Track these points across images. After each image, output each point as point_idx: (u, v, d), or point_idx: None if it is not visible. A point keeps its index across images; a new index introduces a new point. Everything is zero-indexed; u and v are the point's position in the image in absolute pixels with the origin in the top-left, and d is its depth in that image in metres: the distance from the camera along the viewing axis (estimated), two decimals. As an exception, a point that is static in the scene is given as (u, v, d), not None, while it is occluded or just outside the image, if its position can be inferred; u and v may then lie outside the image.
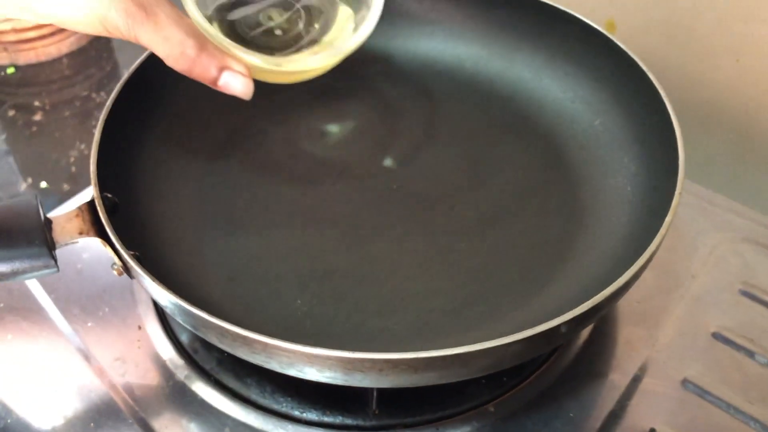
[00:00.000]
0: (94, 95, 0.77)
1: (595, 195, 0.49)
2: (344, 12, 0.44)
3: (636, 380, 0.45)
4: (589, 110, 0.53)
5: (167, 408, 0.44)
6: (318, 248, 0.47)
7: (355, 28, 0.43)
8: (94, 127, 0.72)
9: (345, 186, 0.51)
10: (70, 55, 0.81)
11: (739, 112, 0.61)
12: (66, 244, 0.40)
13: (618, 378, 0.45)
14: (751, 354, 0.46)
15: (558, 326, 0.36)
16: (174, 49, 0.37)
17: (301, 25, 0.44)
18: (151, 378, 0.45)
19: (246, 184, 0.51)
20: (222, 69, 0.39)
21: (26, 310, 0.48)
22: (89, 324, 0.47)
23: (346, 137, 0.56)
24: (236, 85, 0.39)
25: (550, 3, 0.53)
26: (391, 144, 0.55)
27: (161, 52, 0.37)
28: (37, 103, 0.76)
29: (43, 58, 0.79)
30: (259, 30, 0.43)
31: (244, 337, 0.35)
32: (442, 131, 0.56)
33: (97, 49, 0.82)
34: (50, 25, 0.77)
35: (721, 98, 0.61)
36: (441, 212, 0.50)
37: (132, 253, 0.39)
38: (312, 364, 0.35)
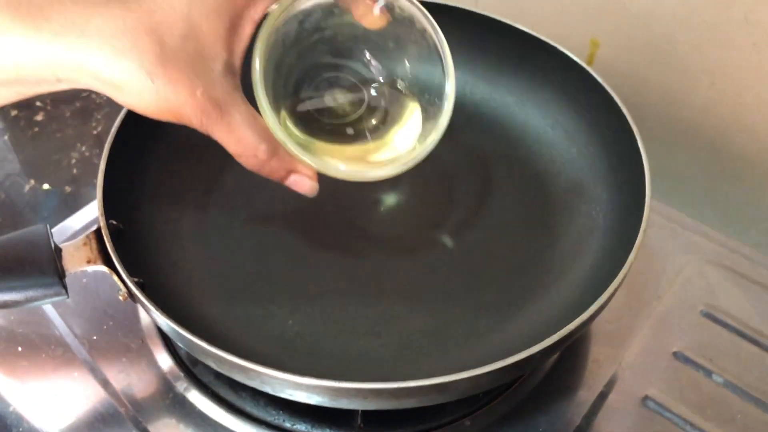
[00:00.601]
0: (94, 95, 0.78)
1: (570, 221, 0.53)
2: (411, 109, 0.45)
3: (602, 397, 0.48)
4: (568, 138, 0.56)
5: (168, 418, 0.47)
6: (309, 270, 0.50)
7: (421, 137, 0.43)
8: (95, 128, 0.75)
9: (332, 208, 0.54)
10: (70, 53, 0.83)
11: (712, 132, 0.63)
12: (75, 273, 0.43)
13: (585, 394, 0.48)
14: (708, 373, 0.49)
15: (531, 356, 0.39)
16: (246, 151, 0.38)
17: (364, 120, 0.44)
18: (152, 390, 0.49)
19: (243, 205, 0.54)
20: (290, 172, 0.40)
21: (35, 324, 0.51)
22: (94, 337, 0.51)
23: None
24: (302, 186, 0.41)
25: (532, 33, 0.56)
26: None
27: (233, 152, 0.38)
28: (38, 103, 0.78)
29: (43, 56, 0.81)
30: (327, 117, 0.43)
31: (240, 366, 0.38)
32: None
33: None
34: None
35: (696, 118, 0.64)
36: (423, 236, 0.53)
37: (136, 280, 0.42)
38: (302, 390, 0.38)
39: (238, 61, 0.37)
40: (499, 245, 0.52)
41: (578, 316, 0.41)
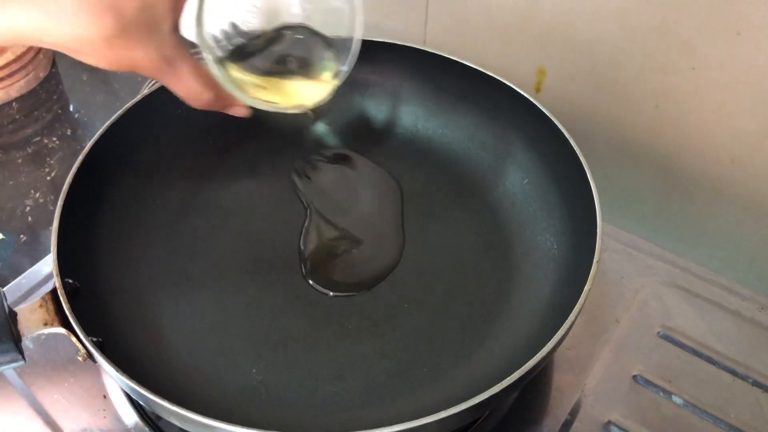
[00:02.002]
0: (46, 140, 0.78)
1: (526, 252, 0.53)
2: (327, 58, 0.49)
3: (566, 425, 0.49)
4: (519, 169, 0.57)
5: (135, 475, 0.47)
6: (270, 316, 0.50)
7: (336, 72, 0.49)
8: (48, 173, 0.74)
9: (290, 253, 0.55)
10: (20, 98, 0.82)
11: (659, 154, 0.65)
12: (31, 337, 0.42)
13: (550, 423, 0.49)
14: (668, 395, 0.50)
15: (496, 393, 0.39)
16: (192, 96, 0.44)
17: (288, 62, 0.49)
18: (117, 446, 0.48)
19: (201, 255, 0.54)
20: (229, 106, 0.47)
21: (-8, 384, 0.51)
22: (55, 396, 0.50)
23: (285, 195, 0.59)
24: (239, 112, 0.48)
25: (479, 69, 0.57)
26: (331, 204, 0.58)
27: (182, 97, 0.44)
28: (-12, 151, 0.76)
29: (-9, 102, 0.80)
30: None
31: (204, 423, 0.38)
32: (379, 188, 0.59)
33: (46, 91, 0.83)
34: (-2, 71, 0.78)
35: (643, 142, 0.66)
36: (383, 272, 0.53)
37: (94, 339, 0.42)
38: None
39: (180, 18, 0.41)
40: (457, 279, 0.53)
41: (540, 346, 0.41)
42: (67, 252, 0.46)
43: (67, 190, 0.48)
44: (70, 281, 0.45)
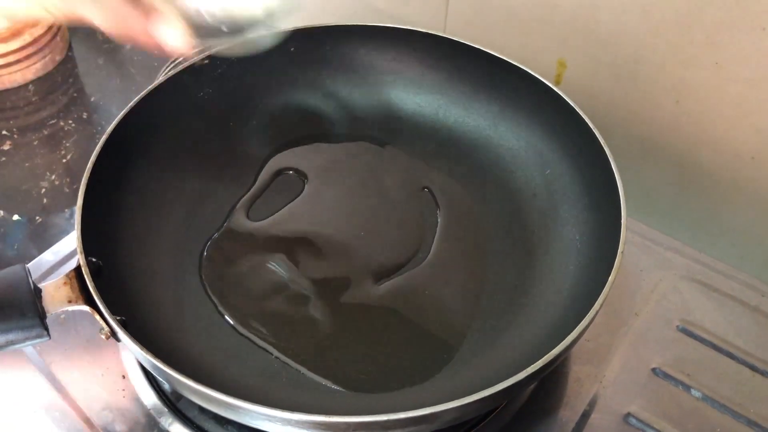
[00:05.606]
0: (62, 123, 0.78)
1: (547, 243, 0.53)
2: None
3: (585, 416, 0.49)
4: (541, 159, 0.57)
5: (153, 455, 0.47)
6: (291, 298, 0.50)
7: None
8: (64, 156, 0.74)
9: (309, 236, 0.55)
10: (36, 81, 0.82)
11: (678, 149, 0.65)
12: (56, 313, 0.42)
13: (568, 414, 0.49)
14: (687, 388, 0.50)
15: (518, 381, 0.39)
16: None
17: None
18: (137, 426, 0.48)
19: (221, 235, 0.54)
20: None
21: (12, 362, 0.51)
22: (75, 375, 0.50)
23: (309, 181, 0.59)
24: None
25: (502, 57, 0.57)
26: (353, 193, 0.58)
27: None
28: (5, 132, 0.76)
29: (8, 85, 0.80)
30: None
31: (229, 403, 0.38)
32: (402, 178, 0.59)
33: (62, 75, 0.83)
34: (14, 51, 0.78)
35: (662, 136, 0.65)
36: (401, 260, 0.54)
37: (118, 318, 0.42)
38: (293, 425, 0.38)
39: None
40: (477, 269, 0.53)
41: (559, 337, 0.41)
42: (90, 230, 0.46)
43: (90, 169, 0.48)
44: (93, 260, 0.45)
